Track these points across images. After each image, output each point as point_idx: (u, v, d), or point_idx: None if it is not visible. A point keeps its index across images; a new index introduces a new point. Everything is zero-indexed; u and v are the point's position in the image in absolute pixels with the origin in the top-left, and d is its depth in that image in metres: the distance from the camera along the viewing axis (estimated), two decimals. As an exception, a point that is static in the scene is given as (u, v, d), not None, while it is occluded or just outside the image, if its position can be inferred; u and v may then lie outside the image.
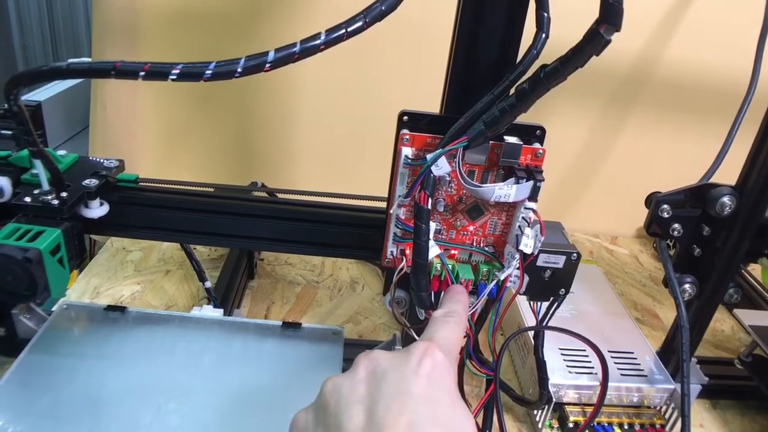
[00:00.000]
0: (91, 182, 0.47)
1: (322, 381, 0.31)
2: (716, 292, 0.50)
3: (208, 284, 0.63)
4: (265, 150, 0.84)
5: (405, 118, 0.38)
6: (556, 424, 0.52)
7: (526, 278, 0.41)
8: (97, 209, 0.47)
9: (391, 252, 0.41)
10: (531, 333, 0.51)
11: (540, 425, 0.52)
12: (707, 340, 0.70)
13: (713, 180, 0.49)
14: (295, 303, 0.69)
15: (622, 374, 0.52)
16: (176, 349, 0.49)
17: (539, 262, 0.42)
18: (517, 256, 0.38)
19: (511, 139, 0.38)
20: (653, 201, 0.49)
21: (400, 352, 0.31)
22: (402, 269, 0.38)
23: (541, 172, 0.38)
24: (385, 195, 0.42)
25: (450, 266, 0.40)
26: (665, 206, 0.48)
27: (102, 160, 0.50)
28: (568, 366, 0.52)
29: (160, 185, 0.52)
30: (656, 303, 0.77)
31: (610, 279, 0.74)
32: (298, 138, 0.83)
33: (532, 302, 0.44)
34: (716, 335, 0.71)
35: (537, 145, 0.38)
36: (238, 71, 0.33)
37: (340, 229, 0.49)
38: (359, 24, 0.33)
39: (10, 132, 0.51)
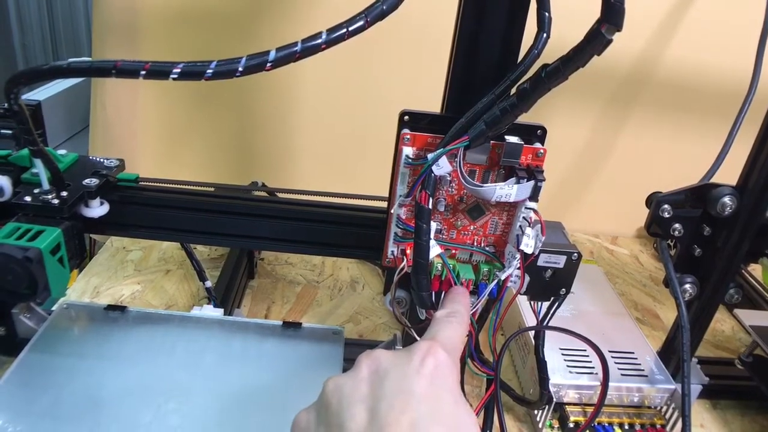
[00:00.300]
0: (92, 181, 0.47)
1: (322, 381, 0.31)
2: (717, 292, 0.50)
3: (209, 284, 0.63)
4: (265, 149, 0.84)
5: (406, 117, 0.38)
6: (556, 424, 0.52)
7: (527, 278, 0.41)
8: (97, 209, 0.47)
9: (392, 252, 0.41)
10: (531, 333, 0.51)
11: (540, 425, 0.52)
12: (708, 340, 0.70)
13: (714, 180, 0.49)
14: (296, 303, 0.69)
15: (622, 374, 0.52)
16: (176, 348, 0.49)
17: (540, 262, 0.42)
18: (518, 255, 0.38)
19: (512, 139, 0.38)
20: (654, 201, 0.49)
21: (403, 351, 0.31)
22: (403, 269, 0.38)
23: (542, 171, 0.38)
24: (386, 195, 0.42)
25: (451, 265, 0.39)
26: (666, 206, 0.48)
27: (102, 160, 0.50)
28: (568, 366, 0.52)
29: (161, 185, 0.52)
30: (657, 303, 0.77)
31: (610, 279, 0.74)
32: (298, 137, 0.83)
33: (532, 302, 0.44)
34: (717, 335, 0.71)
35: (538, 145, 0.38)
36: (239, 70, 0.33)
37: (341, 229, 0.49)
38: (360, 23, 0.33)
39: (10, 131, 0.51)
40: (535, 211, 0.38)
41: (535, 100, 0.34)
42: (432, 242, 0.38)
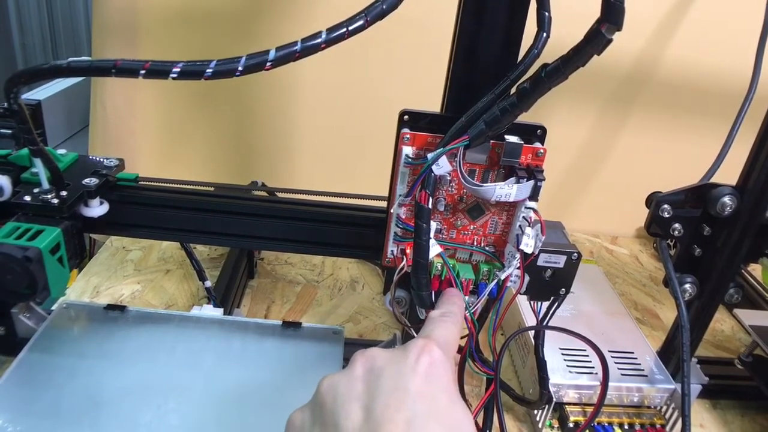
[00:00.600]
0: (91, 181, 0.47)
1: (322, 381, 0.31)
2: (717, 292, 0.50)
3: (208, 283, 0.63)
4: (265, 149, 0.84)
5: (406, 117, 0.38)
6: (556, 424, 0.52)
7: (527, 278, 0.41)
8: (96, 208, 0.47)
9: (392, 251, 0.41)
10: (531, 333, 0.51)
11: (540, 425, 0.52)
12: (707, 340, 0.70)
13: (714, 180, 0.49)
14: (295, 302, 0.69)
15: (622, 374, 0.52)
16: (176, 348, 0.49)
17: (540, 262, 0.42)
18: (518, 255, 0.38)
19: (512, 139, 0.38)
20: (654, 201, 0.49)
21: (398, 349, 0.31)
22: (402, 268, 0.38)
23: (542, 171, 0.38)
24: (386, 194, 0.42)
25: (451, 265, 0.39)
26: (666, 206, 0.48)
27: (102, 159, 0.50)
28: (568, 366, 0.52)
29: (160, 184, 0.52)
30: (656, 303, 0.77)
31: (610, 279, 0.74)
32: (298, 137, 0.83)
33: (532, 302, 0.44)
34: (716, 335, 0.71)
35: (538, 145, 0.38)
36: (239, 70, 0.33)
37: (341, 229, 0.49)
38: (360, 23, 0.33)
39: (10, 131, 0.51)
40: (534, 211, 0.38)
41: (535, 99, 0.34)
42: (432, 242, 0.38)
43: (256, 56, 0.33)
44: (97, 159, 0.50)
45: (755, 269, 0.58)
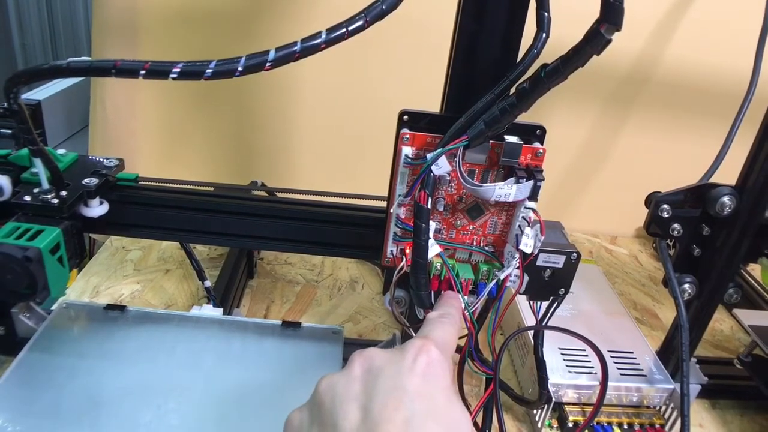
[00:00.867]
0: (91, 181, 0.47)
1: (322, 381, 0.31)
2: (716, 292, 0.50)
3: (208, 283, 0.63)
4: (265, 149, 0.84)
5: (405, 117, 0.38)
6: (555, 424, 0.52)
7: (526, 278, 0.41)
8: (96, 208, 0.47)
9: (391, 251, 0.41)
10: (530, 332, 0.51)
11: (539, 425, 0.52)
12: (707, 340, 0.70)
13: (713, 180, 0.49)
14: (295, 302, 0.69)
15: (621, 374, 0.52)
16: (176, 348, 0.49)
17: (539, 262, 0.42)
18: (517, 255, 0.38)
19: (512, 139, 0.38)
20: (653, 201, 0.49)
21: (395, 349, 0.31)
22: (402, 268, 0.38)
23: (541, 171, 0.38)
24: (385, 194, 0.42)
25: (450, 265, 0.40)
26: (665, 206, 0.48)
27: (102, 159, 0.50)
28: (567, 366, 0.52)
29: (160, 184, 0.52)
30: (656, 303, 0.77)
31: (609, 279, 0.74)
32: (298, 137, 0.83)
33: (531, 302, 0.44)
34: (716, 335, 0.71)
35: (537, 145, 0.38)
36: (238, 70, 0.33)
37: (340, 229, 0.49)
38: (360, 23, 0.33)
39: (9, 131, 0.51)
40: (534, 211, 0.38)
41: (535, 99, 0.34)
42: (431, 242, 0.38)
43: (256, 56, 0.33)
44: (97, 159, 0.50)
45: (754, 269, 0.58)
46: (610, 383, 0.46)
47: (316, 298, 0.70)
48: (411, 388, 0.28)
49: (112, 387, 0.44)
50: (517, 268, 0.39)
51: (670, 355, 0.55)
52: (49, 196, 0.44)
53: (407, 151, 0.38)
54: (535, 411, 0.53)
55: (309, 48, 0.33)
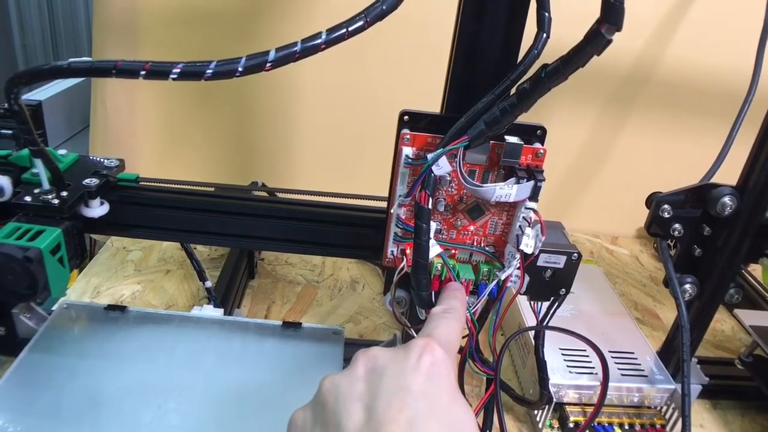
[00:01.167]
0: (92, 181, 0.47)
1: (323, 381, 0.31)
2: (717, 292, 0.50)
3: (209, 284, 0.63)
4: (265, 149, 0.84)
5: (406, 117, 0.38)
6: (556, 424, 0.52)
7: (527, 278, 0.41)
8: (97, 208, 0.47)
9: (392, 251, 0.41)
10: (531, 333, 0.51)
11: (540, 425, 0.52)
12: (708, 340, 0.70)
13: (714, 180, 0.49)
14: (296, 303, 0.69)
15: (622, 374, 0.52)
16: (176, 348, 0.49)
17: (540, 262, 0.42)
18: (518, 255, 0.38)
19: (512, 139, 0.38)
20: (654, 201, 0.49)
21: (399, 348, 0.31)
22: (402, 269, 0.38)
23: (542, 171, 0.38)
24: (386, 194, 0.42)
25: (451, 265, 0.39)
26: (666, 206, 0.48)
27: (102, 160, 0.50)
28: (568, 366, 0.52)
29: (161, 185, 0.52)
30: (657, 303, 0.77)
31: (610, 279, 0.74)
32: (298, 137, 0.83)
33: (532, 302, 0.44)
34: (717, 335, 0.71)
35: (538, 145, 0.38)
36: (239, 70, 0.33)
37: (341, 229, 0.49)
38: (360, 23, 0.33)
39: (10, 131, 0.51)
40: (534, 211, 0.38)
41: (535, 100, 0.34)
42: (432, 242, 0.38)
43: (256, 57, 0.33)
44: (98, 159, 0.50)
45: (755, 269, 0.58)
46: (611, 383, 0.46)
47: (316, 299, 0.70)
48: (415, 387, 0.28)
49: (112, 387, 0.44)
50: (518, 268, 0.39)
51: (671, 355, 0.55)
52: (50, 197, 0.44)
53: (408, 151, 0.38)
54: (536, 411, 0.53)
55: (309, 48, 0.33)
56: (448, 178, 0.38)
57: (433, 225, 0.39)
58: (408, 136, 0.38)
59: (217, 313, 0.55)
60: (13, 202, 0.44)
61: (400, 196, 0.39)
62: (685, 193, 0.49)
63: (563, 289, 0.43)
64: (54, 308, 0.52)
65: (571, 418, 0.51)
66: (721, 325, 0.74)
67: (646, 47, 0.79)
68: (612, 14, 0.29)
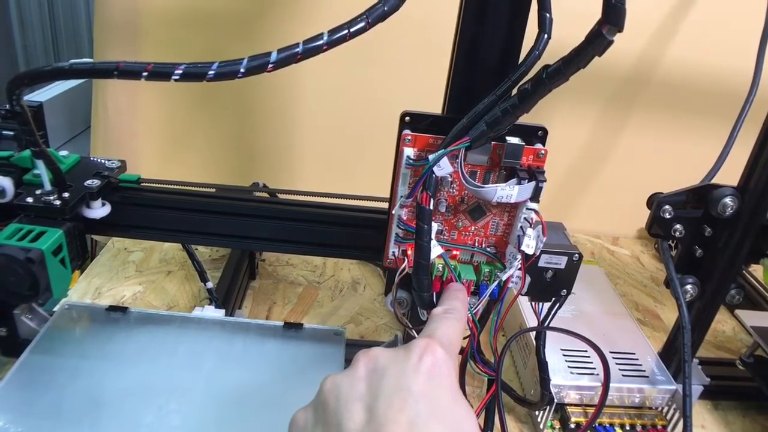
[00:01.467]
0: (93, 183, 0.47)
1: (324, 382, 0.31)
2: (718, 292, 0.50)
3: (210, 285, 0.63)
4: (266, 150, 0.84)
5: (407, 118, 0.38)
6: (557, 425, 0.52)
7: (528, 279, 0.41)
8: (98, 210, 0.47)
9: (393, 252, 0.41)
10: (532, 334, 0.51)
11: (541, 426, 0.52)
12: (709, 340, 0.70)
13: (715, 181, 0.49)
14: (297, 303, 0.69)
15: (623, 375, 0.52)
16: (178, 349, 0.49)
17: (541, 263, 0.42)
18: (519, 256, 0.38)
19: (513, 140, 0.38)
20: (655, 202, 0.49)
21: (400, 349, 0.31)
22: (404, 270, 0.38)
23: (543, 172, 0.38)
24: (387, 195, 0.42)
25: (452, 266, 0.39)
26: (667, 207, 0.48)
27: (104, 161, 0.50)
28: (569, 367, 0.52)
29: (162, 186, 0.52)
30: (658, 304, 0.77)
31: (611, 280, 0.74)
32: (299, 138, 0.83)
33: (533, 303, 0.44)
34: (718, 336, 0.71)
35: (539, 146, 0.38)
36: (240, 71, 0.33)
37: (342, 230, 0.49)
38: (362, 24, 0.33)
39: (12, 132, 0.51)
40: (536, 212, 0.38)
41: (536, 100, 0.34)
42: (433, 243, 0.38)
43: (258, 58, 0.33)
44: (99, 160, 0.51)
45: (756, 270, 0.58)
46: (612, 384, 0.46)
47: (317, 300, 0.70)
48: (416, 388, 0.28)
49: (113, 388, 0.44)
50: (519, 269, 0.39)
51: (672, 356, 0.55)
52: (52, 198, 0.44)
53: (409, 152, 0.38)
54: (537, 412, 0.53)
55: (311, 49, 0.33)
56: (450, 179, 0.38)
57: (435, 226, 0.39)
58: (409, 137, 0.38)
59: (219, 313, 0.55)
60: (15, 203, 0.44)
61: (401, 197, 0.39)
62: (686, 193, 0.49)
63: (564, 290, 0.43)
64: (55, 309, 0.52)
65: (573, 419, 0.51)
66: (722, 325, 0.73)
67: (647, 48, 0.79)
68: (613, 15, 0.29)
